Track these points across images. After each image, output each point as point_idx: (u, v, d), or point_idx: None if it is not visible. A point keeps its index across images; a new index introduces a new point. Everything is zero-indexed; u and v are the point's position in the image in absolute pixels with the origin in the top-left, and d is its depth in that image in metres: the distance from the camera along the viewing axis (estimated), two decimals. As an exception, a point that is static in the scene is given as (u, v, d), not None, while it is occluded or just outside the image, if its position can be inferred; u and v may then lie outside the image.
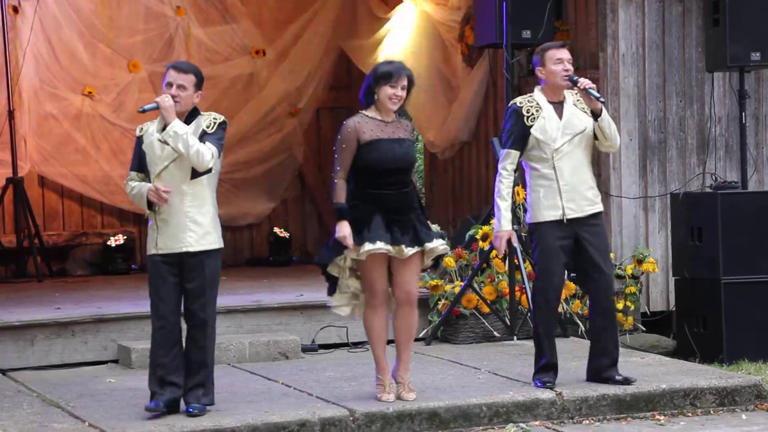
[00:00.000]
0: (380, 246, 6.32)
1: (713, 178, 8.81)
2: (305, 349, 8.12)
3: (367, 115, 6.47)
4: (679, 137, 9.12)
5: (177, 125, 6.08)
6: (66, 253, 11.31)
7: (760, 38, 8.40)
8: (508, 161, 6.75)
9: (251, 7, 11.85)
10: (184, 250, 6.17)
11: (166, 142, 6.11)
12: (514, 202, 8.51)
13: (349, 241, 6.31)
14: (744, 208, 8.19)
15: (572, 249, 6.76)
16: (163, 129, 6.14)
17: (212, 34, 11.69)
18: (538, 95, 6.79)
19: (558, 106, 6.75)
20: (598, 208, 6.79)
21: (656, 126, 9.03)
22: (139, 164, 6.26)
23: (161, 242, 6.19)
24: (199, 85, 6.22)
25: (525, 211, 8.64)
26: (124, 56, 11.34)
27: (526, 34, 8.97)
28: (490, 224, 8.73)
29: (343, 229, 6.33)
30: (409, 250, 6.41)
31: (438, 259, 6.63)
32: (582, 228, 6.73)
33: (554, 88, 6.74)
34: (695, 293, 8.34)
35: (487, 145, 10.24)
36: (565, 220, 6.70)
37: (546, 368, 6.80)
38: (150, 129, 6.24)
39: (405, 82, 6.44)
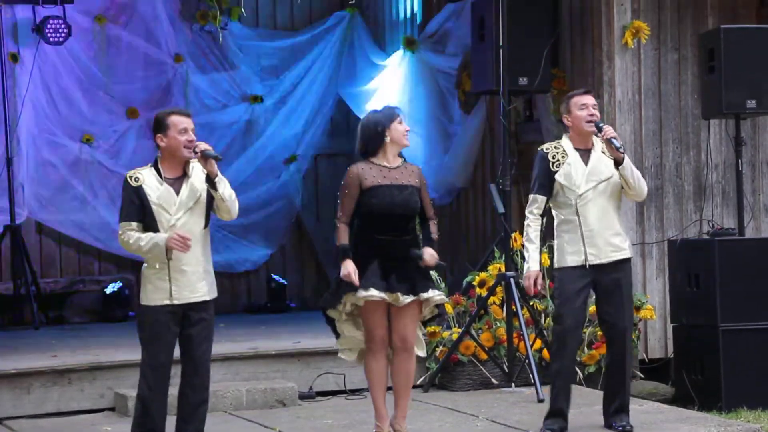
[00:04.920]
0: (373, 293, 6.35)
1: (710, 224, 8.82)
2: (303, 397, 8.10)
3: (373, 162, 6.53)
4: (676, 184, 9.16)
5: (220, 174, 6.09)
6: (63, 300, 11.30)
7: (756, 85, 8.44)
8: (534, 206, 6.84)
9: (249, 54, 11.93)
10: (201, 299, 6.15)
11: (215, 188, 6.04)
12: (511, 249, 8.57)
13: (355, 278, 6.33)
14: (741, 255, 8.20)
15: (594, 295, 6.80)
16: (208, 178, 6.07)
17: (210, 81, 11.76)
18: (565, 141, 6.86)
19: (585, 152, 6.80)
20: (625, 254, 6.80)
21: (653, 172, 9.06)
22: (141, 214, 6.10)
23: (177, 292, 6.10)
24: None
25: (522, 258, 8.72)
26: (123, 103, 11.39)
27: (523, 80, 9.03)
28: (487, 270, 8.76)
29: (348, 267, 6.35)
30: (406, 299, 6.43)
31: (440, 313, 6.64)
32: (605, 275, 6.76)
33: (580, 135, 6.80)
34: (693, 340, 8.32)
35: (484, 191, 10.27)
36: (587, 266, 6.72)
37: (552, 415, 6.79)
38: (148, 178, 6.13)
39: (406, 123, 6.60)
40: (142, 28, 11.44)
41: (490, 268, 8.73)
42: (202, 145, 6.09)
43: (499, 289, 8.52)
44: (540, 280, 6.92)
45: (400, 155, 6.64)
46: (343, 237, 6.44)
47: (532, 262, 6.84)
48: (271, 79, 12.01)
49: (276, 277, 12.00)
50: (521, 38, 8.87)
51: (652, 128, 9.10)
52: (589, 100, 6.80)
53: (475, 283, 8.74)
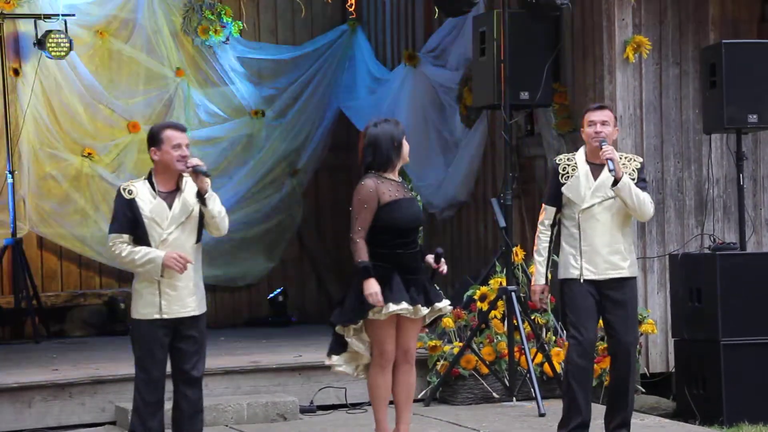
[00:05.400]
0: (405, 307, 6.37)
1: (711, 239, 8.82)
2: (303, 411, 8.09)
3: (384, 176, 6.51)
4: (677, 198, 9.17)
5: (211, 190, 6.10)
6: (64, 313, 11.29)
7: (757, 100, 8.46)
8: (544, 216, 6.90)
9: (250, 68, 11.95)
10: (191, 314, 6.16)
11: (205, 204, 6.06)
12: (513, 263, 8.58)
13: (380, 298, 6.31)
14: (743, 270, 8.21)
15: (599, 309, 6.81)
16: (198, 193, 6.10)
17: (211, 95, 11.77)
18: (579, 154, 6.88)
19: (597, 167, 6.80)
20: (624, 273, 6.77)
21: (654, 187, 9.05)
22: (134, 228, 6.11)
23: (167, 307, 6.12)
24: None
25: (523, 272, 8.74)
26: (124, 117, 11.40)
27: (524, 95, 9.02)
28: (488, 284, 8.76)
29: (372, 287, 6.32)
30: (423, 310, 6.48)
31: (436, 319, 6.68)
32: (605, 291, 6.76)
33: (592, 150, 6.82)
34: (695, 354, 8.32)
35: (486, 205, 10.27)
36: (582, 281, 6.74)
37: (563, 424, 6.79)
38: (142, 191, 6.13)
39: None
40: (144, 43, 11.46)
41: (491, 282, 8.73)
42: (194, 161, 6.11)
43: (500, 303, 8.52)
44: (546, 294, 6.93)
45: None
46: (363, 253, 6.39)
47: (538, 275, 6.88)
48: (272, 93, 12.02)
49: (277, 291, 12.00)
50: (523, 53, 8.87)
51: (653, 143, 9.11)
52: (598, 116, 6.79)
53: (476, 297, 8.73)
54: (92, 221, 11.27)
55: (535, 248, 6.93)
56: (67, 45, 10.77)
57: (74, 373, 8.14)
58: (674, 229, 9.13)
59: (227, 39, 11.62)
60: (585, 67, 9.31)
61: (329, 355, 6.61)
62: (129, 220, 6.11)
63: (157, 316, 6.12)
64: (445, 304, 6.57)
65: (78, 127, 11.23)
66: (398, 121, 6.66)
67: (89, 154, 11.26)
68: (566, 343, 6.99)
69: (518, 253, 8.69)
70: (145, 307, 6.15)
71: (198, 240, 6.20)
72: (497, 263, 8.79)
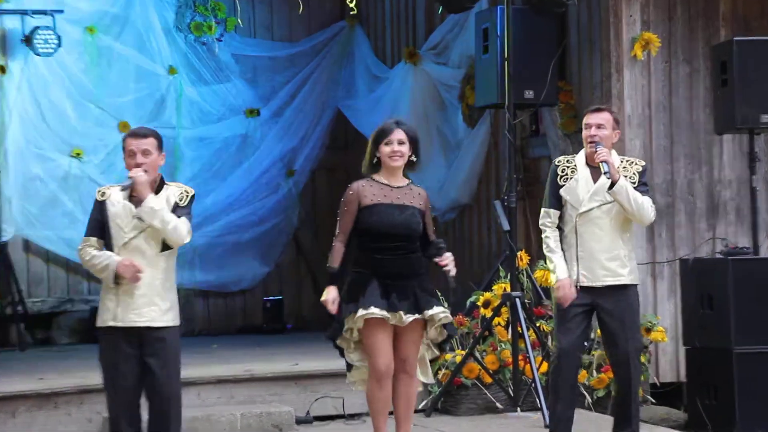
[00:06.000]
0: (374, 311, 6.29)
1: (724, 243, 8.77)
2: (300, 421, 8.02)
3: (375, 179, 6.48)
4: (688, 201, 9.09)
5: (152, 201, 5.98)
6: (51, 320, 11.27)
7: (771, 99, 8.40)
8: (546, 219, 6.84)
9: (245, 65, 11.92)
10: (146, 324, 6.05)
11: (141, 218, 6.00)
12: (517, 268, 8.50)
13: (331, 307, 6.35)
14: (756, 275, 8.13)
15: (592, 317, 6.75)
16: (130, 199, 6.03)
17: (205, 94, 11.78)
18: (580, 156, 6.85)
19: (596, 170, 6.75)
20: (621, 280, 6.72)
21: (664, 189, 9.00)
22: (100, 231, 6.09)
23: (121, 314, 6.04)
24: (161, 147, 6.14)
25: (528, 277, 8.67)
26: (114, 116, 11.35)
27: (529, 94, 8.99)
28: (492, 290, 8.69)
29: (328, 294, 6.39)
30: (409, 317, 6.35)
31: (450, 334, 6.55)
32: (601, 298, 6.70)
33: (590, 153, 6.76)
34: (706, 363, 8.25)
35: (489, 207, 10.22)
36: (578, 287, 6.66)
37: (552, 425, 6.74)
38: (114, 194, 6.10)
39: (401, 136, 6.43)
40: (135, 39, 11.45)
41: (494, 287, 8.67)
42: (133, 172, 6.03)
43: (504, 309, 8.46)
44: (572, 289, 6.75)
45: (407, 176, 6.55)
46: (336, 258, 6.45)
47: (560, 270, 6.76)
48: (268, 91, 12.03)
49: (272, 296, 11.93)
50: (527, 50, 8.83)
51: (662, 143, 9.04)
52: (594, 119, 6.74)
53: (479, 303, 8.68)
54: (80, 224, 11.07)
55: (545, 248, 6.83)
56: (56, 42, 10.77)
57: (60, 382, 8.06)
58: (685, 233, 9.06)
59: (221, 35, 11.61)
60: (591, 65, 9.26)
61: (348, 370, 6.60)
62: (98, 223, 6.12)
63: (111, 323, 6.07)
64: (437, 311, 6.41)
65: (66, 126, 11.20)
66: (391, 122, 6.50)
67: (78, 154, 11.21)
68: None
69: (523, 258, 8.63)
70: (103, 313, 6.13)
71: (163, 249, 6.08)
72: (501, 268, 8.74)
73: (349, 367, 6.57)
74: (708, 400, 8.20)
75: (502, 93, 8.76)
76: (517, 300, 8.23)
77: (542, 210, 6.86)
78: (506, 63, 8.61)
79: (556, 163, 6.88)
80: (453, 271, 6.44)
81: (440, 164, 10.80)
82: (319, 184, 12.45)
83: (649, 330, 8.65)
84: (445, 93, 10.74)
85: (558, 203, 6.79)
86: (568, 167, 6.80)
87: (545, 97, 9.01)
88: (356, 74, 11.92)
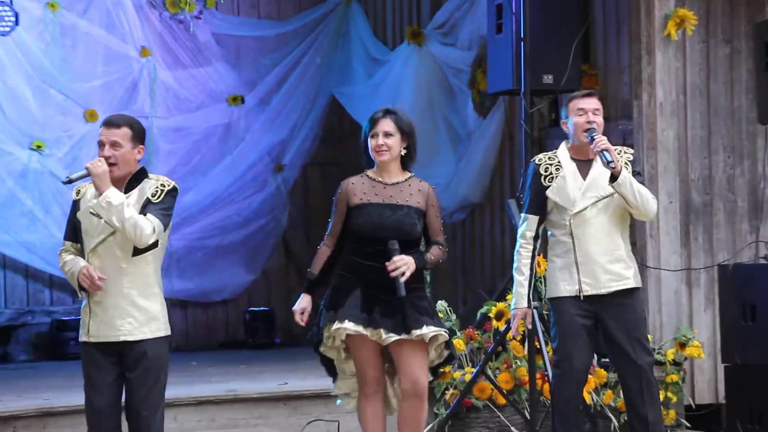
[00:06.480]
0: (348, 326, 6.37)
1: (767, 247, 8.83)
2: (289, 448, 8.10)
3: (368, 176, 6.54)
4: (728, 199, 9.14)
5: (111, 194, 5.95)
6: (8, 334, 11.31)
7: (821, 84, 8.47)
8: (525, 227, 6.83)
9: (228, 47, 11.96)
10: (122, 339, 6.06)
11: (98, 215, 6.01)
12: (534, 275, 8.53)
13: (298, 318, 6.49)
14: (804, 283, 8.21)
15: (597, 330, 6.75)
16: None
17: (182, 79, 11.81)
18: (561, 151, 6.81)
19: (584, 164, 6.75)
20: (628, 284, 6.74)
21: (700, 186, 9.04)
22: (75, 234, 6.13)
23: (94, 328, 6.06)
24: (138, 139, 6.16)
25: (545, 284, 8.70)
26: (80, 104, 11.40)
27: (548, 79, 9.01)
28: (506, 300, 8.73)
29: (299, 303, 6.53)
30: (391, 336, 6.38)
31: (451, 355, 6.59)
32: (605, 308, 6.71)
33: (579, 143, 6.76)
34: (748, 382, 8.29)
35: (502, 207, 10.26)
36: (581, 297, 6.70)
37: None
38: (89, 193, 6.11)
39: (388, 127, 6.45)
40: (103, 17, 11.49)
41: (508, 297, 8.68)
42: (90, 162, 6.04)
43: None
44: (529, 319, 6.89)
45: (408, 170, 6.59)
46: (317, 262, 6.61)
47: (519, 297, 6.83)
48: (253, 76, 12.07)
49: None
50: (546, 29, 8.86)
51: (699, 134, 9.08)
52: (589, 104, 6.74)
53: (491, 314, 8.72)
54: (41, 226, 11.26)
55: (514, 266, 6.86)
56: (12, 19, 10.82)
57: (19, 404, 8.08)
58: (724, 235, 9.11)
59: (200, 13, 11.64)
60: (619, 47, 9.31)
61: (333, 382, 6.69)
62: (72, 226, 6.15)
63: (85, 339, 6.10)
64: (426, 332, 6.40)
65: (25, 114, 11.23)
66: (380, 112, 6.51)
67: (38, 147, 11.25)
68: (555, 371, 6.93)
69: (540, 264, 8.64)
70: (81, 327, 6.17)
71: (135, 253, 6.08)
72: (516, 275, 8.75)
73: (334, 376, 6.61)
74: (750, 424, 8.24)
75: (517, 78, 8.80)
76: (535, 311, 8.21)
77: (522, 215, 6.84)
78: (522, 44, 8.65)
79: (537, 161, 6.81)
80: (403, 278, 6.35)
81: (448, 158, 10.85)
82: (311, 181, 12.52)
83: (683, 345, 8.69)
84: (453, 78, 10.80)
85: (541, 208, 6.76)
86: (551, 164, 6.76)
87: (566, 83, 9.02)
88: (353, 57, 11.98)
